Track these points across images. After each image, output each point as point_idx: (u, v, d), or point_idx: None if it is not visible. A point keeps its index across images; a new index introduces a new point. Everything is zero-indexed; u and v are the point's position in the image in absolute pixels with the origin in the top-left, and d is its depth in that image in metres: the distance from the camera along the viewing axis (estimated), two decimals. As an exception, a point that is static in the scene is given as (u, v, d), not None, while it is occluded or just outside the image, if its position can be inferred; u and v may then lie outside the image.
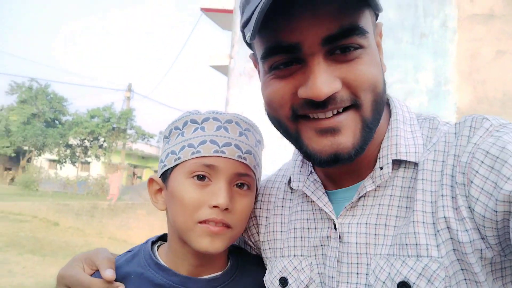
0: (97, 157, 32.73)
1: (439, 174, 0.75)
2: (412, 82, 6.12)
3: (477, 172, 0.68)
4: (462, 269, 0.70)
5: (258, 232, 1.03)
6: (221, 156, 0.89)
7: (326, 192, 0.89)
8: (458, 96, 5.98)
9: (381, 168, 0.80)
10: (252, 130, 0.98)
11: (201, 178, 0.89)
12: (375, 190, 0.82)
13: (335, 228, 0.84)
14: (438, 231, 0.72)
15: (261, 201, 1.04)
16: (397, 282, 0.73)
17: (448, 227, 0.71)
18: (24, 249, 8.98)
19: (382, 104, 0.77)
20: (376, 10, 0.73)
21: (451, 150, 0.75)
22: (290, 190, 1.00)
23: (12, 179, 32.94)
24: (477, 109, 7.31)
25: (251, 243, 1.07)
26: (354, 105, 0.73)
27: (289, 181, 0.98)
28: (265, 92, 0.79)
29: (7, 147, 31.25)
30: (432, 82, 6.03)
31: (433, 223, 0.73)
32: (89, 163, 38.47)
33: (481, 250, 0.68)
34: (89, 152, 32.96)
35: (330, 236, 0.86)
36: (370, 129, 0.75)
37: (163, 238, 1.04)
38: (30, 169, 30.28)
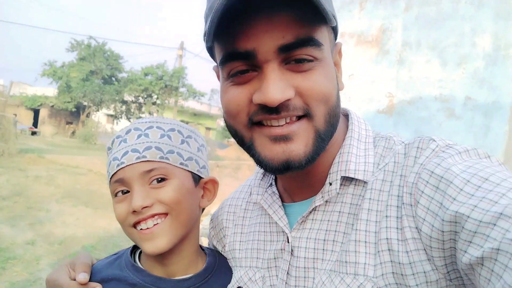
0: (150, 113, 33.80)
1: (386, 194, 0.76)
2: (468, 46, 5.72)
3: (422, 192, 0.69)
4: None
5: (226, 243, 1.07)
6: (122, 167, 0.92)
7: (283, 205, 0.91)
8: (518, 62, 5.51)
9: (330, 184, 0.82)
10: (157, 125, 0.97)
11: (125, 192, 0.93)
12: (325, 205, 0.83)
13: (288, 241, 0.86)
14: (378, 251, 0.73)
15: (228, 212, 1.08)
16: None
17: (389, 249, 0.71)
18: (78, 201, 9.56)
19: (335, 117, 0.78)
20: (330, 23, 0.73)
21: (399, 170, 0.76)
22: (252, 201, 1.03)
23: (73, 133, 34.86)
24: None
25: (224, 255, 1.10)
26: (307, 115, 0.74)
27: (251, 193, 1.00)
28: (223, 99, 0.80)
29: (68, 102, 32.86)
30: (490, 46, 5.60)
31: (375, 243, 0.74)
32: (143, 119, 39.72)
33: (425, 272, 0.68)
34: (143, 109, 34.07)
35: (283, 249, 0.87)
36: (323, 140, 0.76)
37: None
38: (89, 124, 31.87)
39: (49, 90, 35.89)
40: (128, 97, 33.65)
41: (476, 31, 5.39)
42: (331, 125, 0.77)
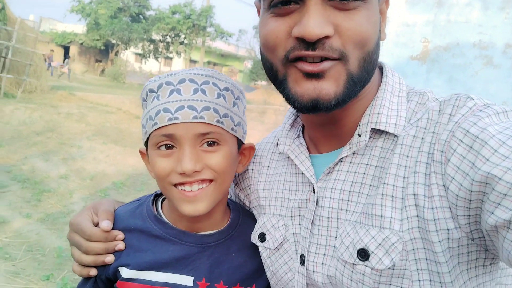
0: (178, 53, 33.70)
1: (416, 150, 0.75)
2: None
3: (455, 150, 0.68)
4: (424, 248, 0.71)
5: (250, 192, 1.07)
6: (175, 123, 0.86)
7: (310, 156, 0.91)
8: None
9: (359, 135, 0.81)
10: (213, 81, 0.91)
11: (168, 147, 0.88)
12: (353, 156, 0.83)
13: (314, 192, 0.87)
14: (405, 206, 0.73)
15: (253, 162, 1.07)
16: (358, 248, 0.76)
17: (416, 204, 0.72)
18: (108, 138, 9.83)
19: (371, 64, 0.76)
20: None
21: (431, 127, 0.75)
22: (278, 152, 1.03)
23: (103, 71, 35.23)
24: None
25: (247, 204, 1.10)
26: (341, 58, 0.72)
27: (277, 143, 0.98)
28: (262, 31, 0.78)
29: (97, 40, 33.00)
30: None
31: (402, 198, 0.74)
32: (171, 58, 39.79)
33: (448, 229, 0.68)
34: (170, 48, 33.96)
35: (309, 199, 0.88)
36: (355, 83, 0.74)
37: None
38: (117, 62, 32.04)
39: (78, 27, 35.93)
40: (155, 36, 33.44)
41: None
42: (366, 71, 0.75)
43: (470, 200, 0.64)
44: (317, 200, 0.86)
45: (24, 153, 7.49)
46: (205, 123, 0.87)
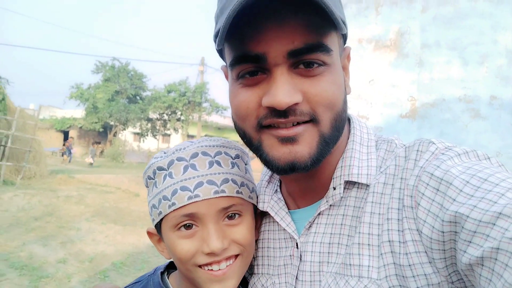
0: (175, 129, 34.30)
1: (388, 197, 0.77)
2: (490, 44, 5.60)
3: (423, 194, 0.69)
4: None
5: None
6: (197, 201, 0.82)
7: (289, 212, 0.92)
8: (544, 58, 5.37)
9: (334, 188, 0.83)
10: (225, 150, 0.90)
11: (188, 226, 0.84)
12: (330, 209, 0.85)
13: (297, 247, 0.87)
14: (381, 254, 0.73)
15: None
16: None
17: (392, 251, 0.72)
18: (107, 219, 9.73)
19: (341, 123, 0.78)
20: (340, 31, 0.75)
21: (399, 173, 0.77)
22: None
23: (102, 152, 35.67)
24: None
25: None
26: (313, 120, 0.74)
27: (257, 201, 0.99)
28: (233, 102, 0.80)
29: (96, 122, 33.72)
30: (512, 42, 5.48)
31: (378, 246, 0.74)
32: (169, 135, 40.48)
33: (426, 274, 0.68)
34: (168, 125, 34.62)
35: (293, 255, 0.88)
36: (327, 144, 0.76)
37: (170, 265, 1.02)
38: (116, 143, 32.60)
39: (77, 112, 36.95)
40: (152, 115, 34.25)
41: (496, 28, 5.30)
42: (337, 130, 0.78)
43: (444, 242, 0.64)
44: (300, 255, 0.86)
45: (22, 239, 7.36)
46: (226, 196, 0.84)
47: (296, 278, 0.85)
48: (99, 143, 39.60)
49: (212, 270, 0.83)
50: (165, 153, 0.90)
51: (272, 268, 0.93)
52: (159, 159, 0.88)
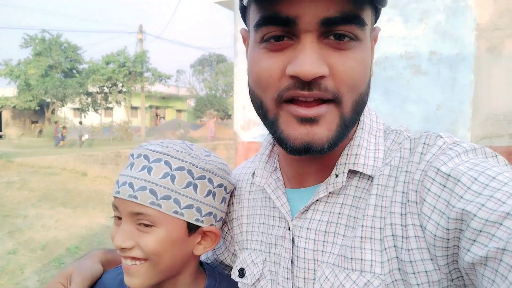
0: (117, 102, 33.09)
1: (391, 190, 0.75)
2: (428, 0, 5.73)
3: (429, 190, 0.68)
4: None
5: (233, 226, 1.05)
6: (117, 197, 0.88)
7: (286, 190, 0.90)
8: (478, 12, 5.58)
9: (337, 176, 0.80)
10: (166, 158, 0.88)
11: (119, 218, 0.90)
12: (328, 196, 0.82)
13: (289, 229, 0.85)
14: (385, 248, 0.72)
15: (234, 194, 1.05)
16: None
17: (394, 246, 0.71)
18: (55, 202, 9.34)
19: (362, 106, 0.75)
20: (378, 4, 0.70)
21: (404, 166, 0.75)
22: (254, 182, 1.01)
23: (40, 131, 33.87)
24: (499, 24, 6.82)
25: (229, 238, 1.08)
26: (335, 100, 0.71)
27: (253, 174, 0.96)
28: (254, 67, 0.75)
29: (30, 101, 31.71)
30: (449, -2, 5.63)
31: (381, 240, 0.73)
32: (111, 108, 39.07)
33: (427, 271, 0.67)
34: (109, 98, 33.29)
35: (284, 236, 0.87)
36: (347, 127, 0.74)
37: None
38: (55, 121, 30.94)
39: (8, 90, 34.51)
40: (92, 88, 32.75)
41: (434, -15, 5.39)
42: (357, 113, 0.75)
43: (448, 239, 0.63)
44: (293, 239, 0.84)
45: (-36, 234, 6.93)
46: (138, 203, 0.85)
47: (292, 262, 0.84)
48: (37, 122, 37.51)
49: (122, 263, 0.90)
50: (141, 146, 0.94)
51: (264, 245, 0.92)
52: (137, 148, 0.93)
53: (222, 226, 1.05)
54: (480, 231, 0.57)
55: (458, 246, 0.62)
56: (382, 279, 0.71)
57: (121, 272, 0.95)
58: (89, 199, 9.82)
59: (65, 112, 38.04)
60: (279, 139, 0.75)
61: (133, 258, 0.86)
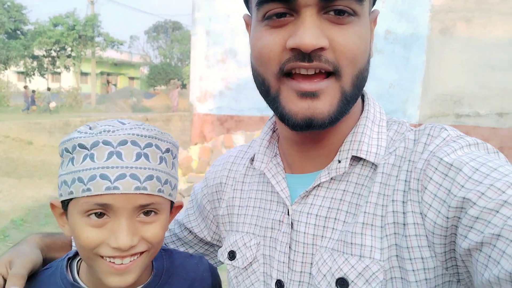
0: (66, 67, 31.54)
1: (394, 179, 0.76)
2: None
3: (431, 178, 0.70)
4: (401, 277, 0.72)
5: (220, 207, 1.05)
6: (115, 193, 0.76)
7: (286, 176, 0.91)
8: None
9: (339, 162, 0.81)
10: (156, 142, 0.83)
11: (99, 215, 0.78)
12: (330, 182, 0.83)
13: (288, 214, 0.86)
14: (386, 235, 0.74)
15: (227, 176, 1.05)
16: (336, 277, 0.76)
17: (395, 233, 0.73)
18: (-2, 171, 8.90)
19: (362, 81, 0.77)
20: None
21: (408, 155, 0.77)
22: (252, 167, 1.02)
23: (-19, 96, 31.77)
24: (452, 6, 7.03)
25: (211, 217, 1.08)
26: (335, 73, 0.73)
27: (252, 159, 0.99)
28: (255, 44, 0.78)
29: (-31, 62, 29.61)
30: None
31: (381, 227, 0.75)
32: (59, 73, 37.23)
33: (423, 258, 0.69)
34: (57, 63, 31.64)
35: (282, 221, 0.87)
36: (348, 102, 0.76)
37: None
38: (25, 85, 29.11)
39: None
40: (38, 52, 30.92)
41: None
42: (357, 88, 0.77)
43: (447, 228, 0.66)
44: (291, 223, 0.85)
45: None
46: (147, 194, 0.79)
47: (289, 247, 0.84)
48: (-23, 85, 35.11)
49: (113, 263, 0.80)
50: (90, 129, 0.81)
51: (259, 229, 0.92)
52: (82, 136, 0.80)
53: (205, 203, 1.08)
54: (477, 218, 0.60)
55: (456, 234, 0.64)
56: (381, 265, 0.73)
57: (46, 274, 0.90)
58: (35, 169, 9.42)
59: (8, 76, 35.84)
60: (281, 115, 0.77)
61: (133, 254, 0.81)
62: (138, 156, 0.79)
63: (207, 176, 1.12)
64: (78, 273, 0.90)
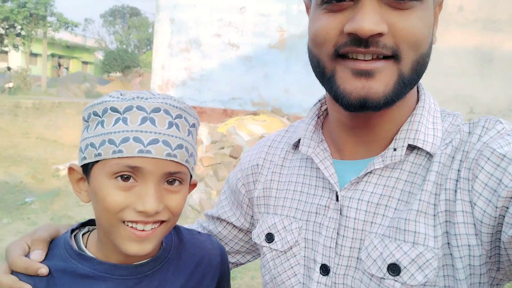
0: (15, 46, 29.83)
1: (448, 168, 0.78)
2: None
3: (482, 168, 0.71)
4: (452, 265, 0.73)
5: (255, 188, 1.05)
6: (147, 157, 0.78)
7: (333, 161, 0.91)
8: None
9: (395, 150, 0.82)
10: (185, 115, 0.85)
11: (125, 178, 0.79)
12: (382, 169, 0.84)
13: (337, 200, 0.86)
14: (439, 223, 0.75)
15: (265, 159, 1.05)
16: (388, 263, 0.76)
17: (446, 221, 0.74)
18: None
19: (422, 67, 0.77)
20: None
21: (462, 146, 0.78)
22: (292, 151, 1.02)
23: None
24: None
25: (246, 201, 1.08)
26: (395, 57, 0.73)
27: (296, 143, 0.99)
28: (312, 27, 0.78)
29: None
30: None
31: (434, 215, 0.76)
32: (6, 52, 35.22)
33: (470, 246, 0.71)
34: (5, 41, 29.90)
35: (328, 206, 0.88)
36: (405, 85, 0.75)
37: (90, 222, 0.97)
38: None
39: None
40: (-16, 28, 29.10)
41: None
42: (417, 74, 0.76)
43: (495, 217, 0.67)
44: (340, 209, 0.85)
45: None
46: (176, 162, 0.81)
47: (337, 232, 0.85)
48: None
49: (135, 228, 0.80)
50: (122, 95, 0.83)
51: (300, 213, 0.92)
52: (115, 99, 0.81)
53: (239, 187, 1.09)
54: None
55: (502, 223, 0.67)
56: (435, 252, 0.74)
57: (56, 244, 0.90)
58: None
59: (-50, 52, 33.51)
60: (335, 95, 0.77)
61: (155, 222, 0.82)
62: (170, 125, 0.81)
63: (242, 161, 1.12)
64: (86, 246, 0.91)
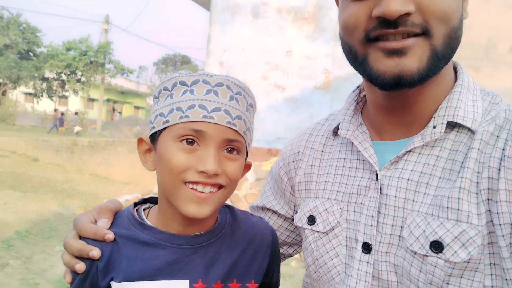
0: (75, 91, 31.96)
1: (491, 147, 0.77)
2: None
3: None
4: (496, 242, 0.72)
5: (296, 175, 1.08)
6: (210, 122, 0.86)
7: (372, 143, 0.93)
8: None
9: (434, 127, 0.82)
10: (244, 94, 0.94)
11: (189, 142, 0.87)
12: (422, 148, 0.84)
13: (377, 179, 0.87)
14: (482, 201, 0.74)
15: (305, 146, 1.09)
16: (431, 240, 0.76)
17: (488, 199, 0.74)
18: (4, 184, 8.93)
19: (455, 41, 0.78)
20: None
21: (507, 125, 0.78)
22: (332, 137, 1.05)
23: (-12, 113, 32.05)
24: (461, 54, 7.30)
25: (288, 188, 1.11)
26: (425, 33, 0.74)
27: (335, 129, 1.02)
28: (342, 16, 0.82)
29: (-20, 79, 30.10)
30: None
31: (476, 193, 0.75)
32: (66, 97, 37.68)
33: None
34: (66, 86, 32.12)
35: (369, 187, 0.89)
36: (439, 59, 0.76)
37: (150, 200, 1.06)
38: (5, 103, 29.47)
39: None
40: (49, 74, 31.47)
41: None
42: (450, 48, 0.77)
43: None
44: (380, 188, 0.86)
45: None
46: (236, 130, 0.88)
47: (378, 211, 0.86)
48: (-15, 102, 35.47)
49: (195, 190, 0.86)
50: (189, 72, 0.94)
51: (341, 195, 0.94)
52: (183, 75, 0.92)
53: (282, 174, 1.13)
54: None
55: None
56: (479, 230, 0.73)
57: (120, 215, 0.98)
58: (40, 185, 9.47)
59: (17, 95, 36.29)
60: (369, 76, 0.79)
61: (213, 185, 0.87)
62: (231, 98, 0.90)
63: (283, 151, 1.16)
64: (147, 217, 0.98)
